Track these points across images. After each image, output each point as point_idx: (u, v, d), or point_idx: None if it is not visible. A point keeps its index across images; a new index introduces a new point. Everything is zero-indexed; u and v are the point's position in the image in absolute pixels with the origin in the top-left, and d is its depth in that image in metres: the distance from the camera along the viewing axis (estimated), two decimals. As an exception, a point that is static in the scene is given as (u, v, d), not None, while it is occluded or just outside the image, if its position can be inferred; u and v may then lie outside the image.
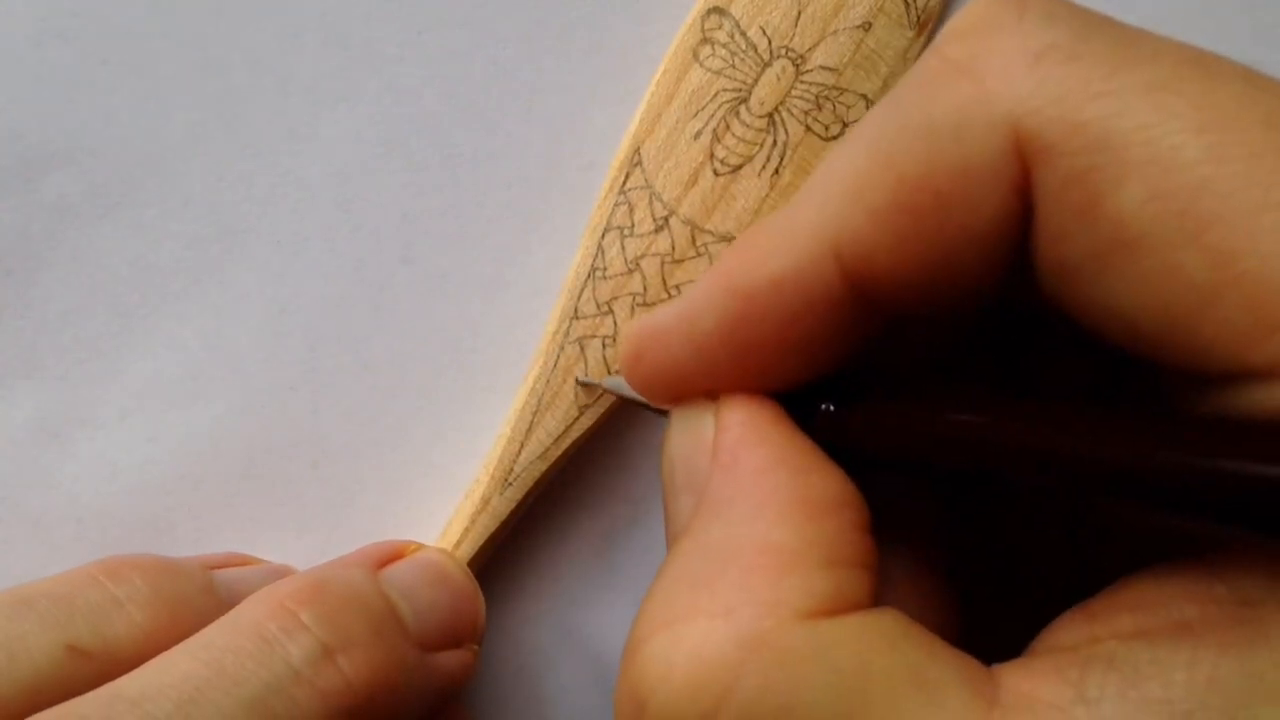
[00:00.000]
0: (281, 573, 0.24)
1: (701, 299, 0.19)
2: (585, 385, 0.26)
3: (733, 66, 0.26)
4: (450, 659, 0.23)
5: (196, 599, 0.22)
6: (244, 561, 0.25)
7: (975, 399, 0.17)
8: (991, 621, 0.20)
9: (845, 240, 0.17)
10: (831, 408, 0.19)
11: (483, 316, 0.27)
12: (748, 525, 0.17)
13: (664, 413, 0.22)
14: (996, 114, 0.16)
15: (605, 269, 0.26)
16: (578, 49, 0.27)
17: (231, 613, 0.21)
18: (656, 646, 0.16)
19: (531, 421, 0.26)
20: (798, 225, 0.18)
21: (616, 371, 0.25)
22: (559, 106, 0.28)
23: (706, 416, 0.19)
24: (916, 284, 0.17)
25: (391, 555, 0.24)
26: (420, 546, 0.25)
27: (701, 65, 0.26)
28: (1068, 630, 0.16)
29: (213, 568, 0.24)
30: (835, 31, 0.26)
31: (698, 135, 0.26)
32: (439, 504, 0.27)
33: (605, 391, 0.25)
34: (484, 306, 0.27)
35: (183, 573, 0.22)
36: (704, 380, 0.19)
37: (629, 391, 0.22)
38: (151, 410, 0.27)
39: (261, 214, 0.27)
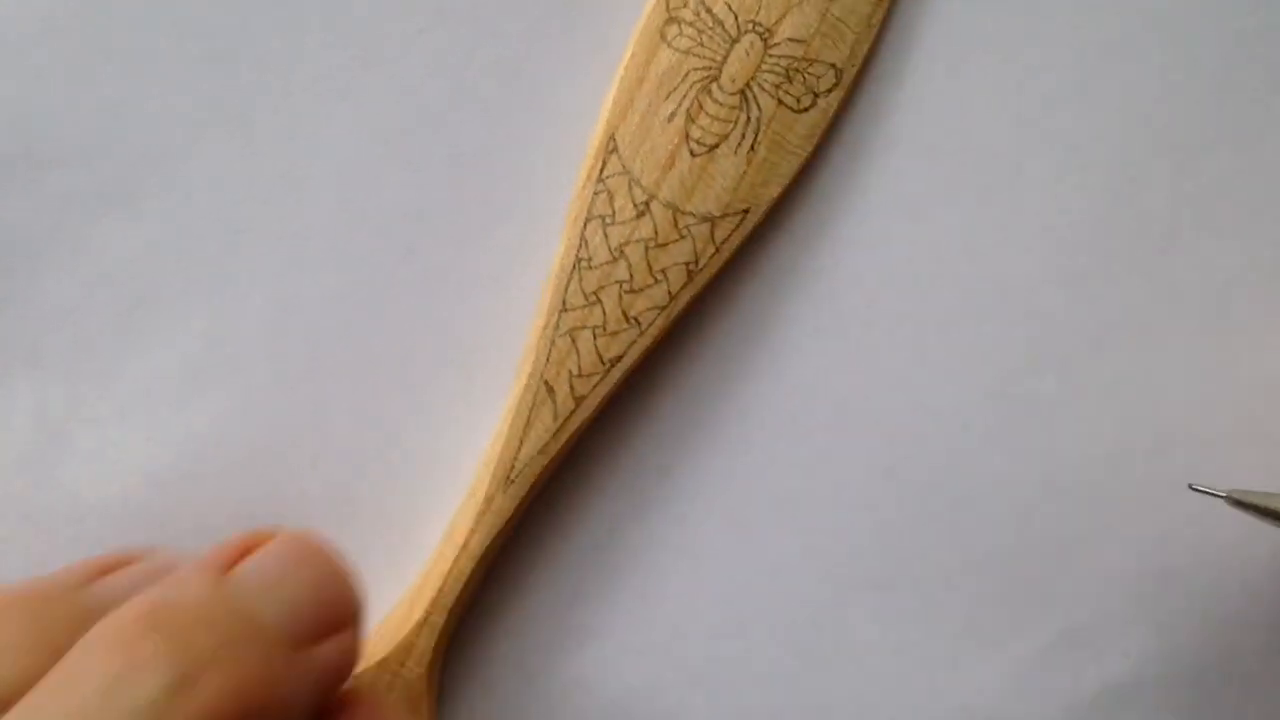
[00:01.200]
0: (165, 569, 0.22)
1: None
2: (1200, 492, 0.24)
3: (701, 45, 0.26)
4: (329, 649, 0.21)
5: (75, 622, 0.20)
6: (249, 544, 0.23)
7: None
8: None
9: None
10: None
11: (485, 312, 0.27)
12: None
13: None
14: None
15: (590, 259, 0.26)
16: (582, 48, 0.28)
17: (71, 654, 0.19)
18: None
19: (529, 418, 0.25)
20: None
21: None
22: (562, 104, 0.28)
23: None
24: None
25: (242, 549, 0.22)
26: (273, 533, 0.22)
27: (669, 45, 0.26)
28: None
29: (223, 561, 0.22)
30: (800, 2, 0.26)
31: (671, 117, 0.26)
32: (441, 502, 0.27)
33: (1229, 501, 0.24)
34: (486, 302, 0.27)
35: (53, 599, 0.20)
36: None
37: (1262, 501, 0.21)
38: (152, 408, 0.27)
39: (263, 210, 0.27)
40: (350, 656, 0.21)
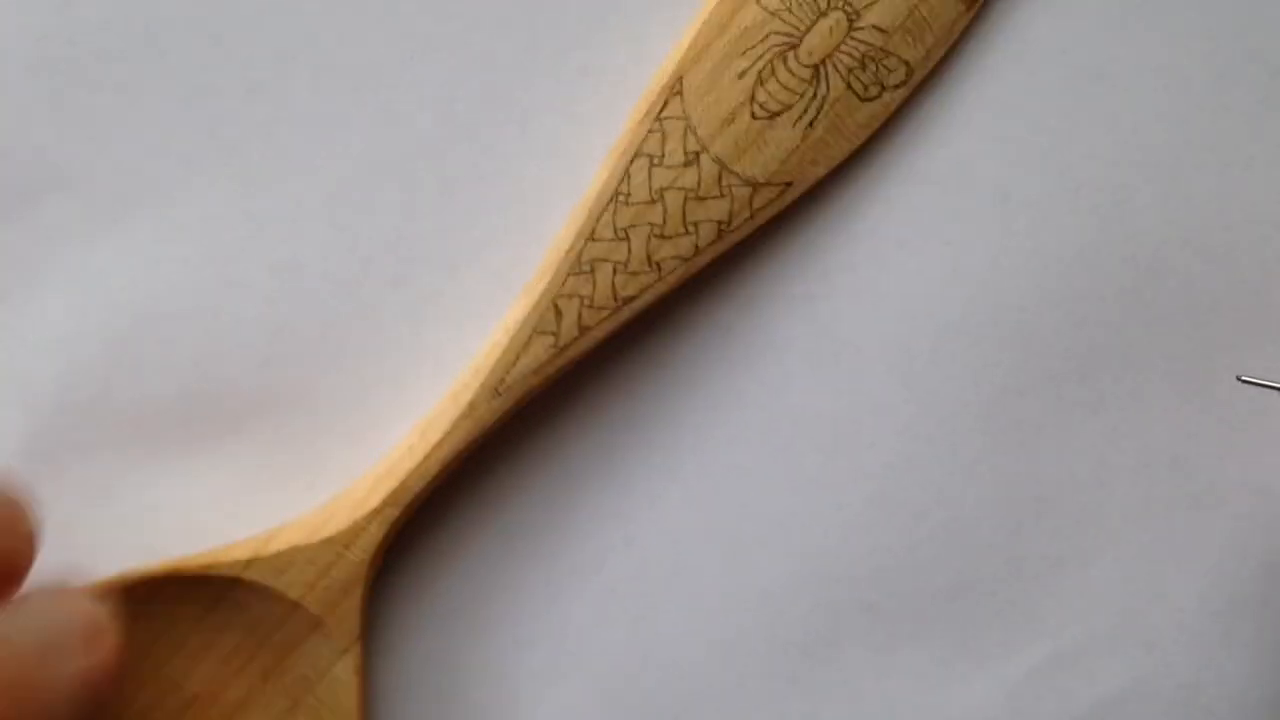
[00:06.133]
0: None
1: None
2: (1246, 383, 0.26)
3: (789, 10, 0.26)
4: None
5: None
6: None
7: None
8: None
9: None
10: None
11: (474, 339, 0.27)
12: None
13: None
14: None
15: (628, 195, 0.26)
16: (571, 73, 0.28)
17: None
18: None
19: (530, 336, 0.25)
20: None
21: None
22: (552, 130, 0.28)
23: None
24: None
25: None
26: None
27: (758, 2, 0.26)
28: None
29: None
30: None
31: (742, 74, 0.26)
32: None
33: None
34: (476, 328, 0.27)
35: None
36: None
37: None
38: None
39: (256, 237, 0.27)
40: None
